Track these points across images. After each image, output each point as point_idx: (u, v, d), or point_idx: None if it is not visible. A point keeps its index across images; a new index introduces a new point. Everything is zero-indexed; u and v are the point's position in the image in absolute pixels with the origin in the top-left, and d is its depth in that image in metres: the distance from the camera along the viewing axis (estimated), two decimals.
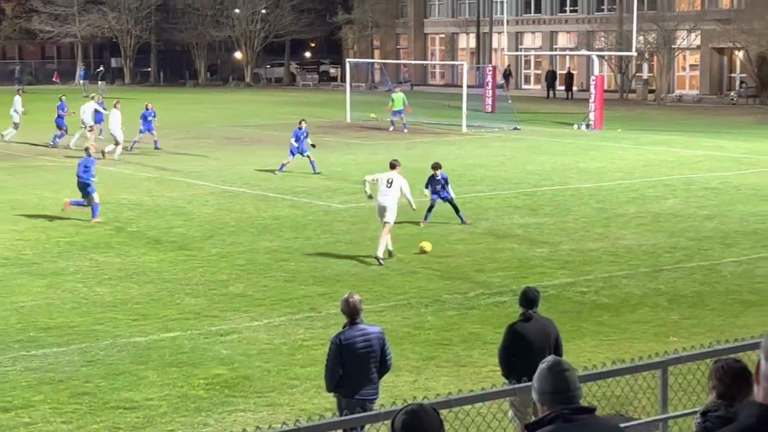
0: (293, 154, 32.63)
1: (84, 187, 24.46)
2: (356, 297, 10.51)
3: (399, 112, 46.18)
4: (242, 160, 35.85)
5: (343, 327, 10.50)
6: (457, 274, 19.32)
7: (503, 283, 18.53)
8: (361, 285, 17.95)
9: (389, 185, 20.66)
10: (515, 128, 47.21)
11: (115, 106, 37.60)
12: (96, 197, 24.40)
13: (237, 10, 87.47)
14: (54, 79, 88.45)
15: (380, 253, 20.01)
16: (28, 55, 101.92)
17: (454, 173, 32.48)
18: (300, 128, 33.03)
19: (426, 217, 24.14)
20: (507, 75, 75.65)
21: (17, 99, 42.93)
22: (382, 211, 20.51)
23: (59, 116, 40.53)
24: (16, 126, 41.84)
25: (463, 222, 24.08)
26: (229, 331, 15.60)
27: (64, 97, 41.77)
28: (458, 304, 17.18)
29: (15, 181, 30.76)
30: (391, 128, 46.84)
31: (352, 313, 10.43)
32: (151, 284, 18.42)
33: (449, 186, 24.36)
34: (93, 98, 42.09)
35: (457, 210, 24.20)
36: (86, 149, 26.29)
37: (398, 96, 46.41)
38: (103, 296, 17.59)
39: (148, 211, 25.77)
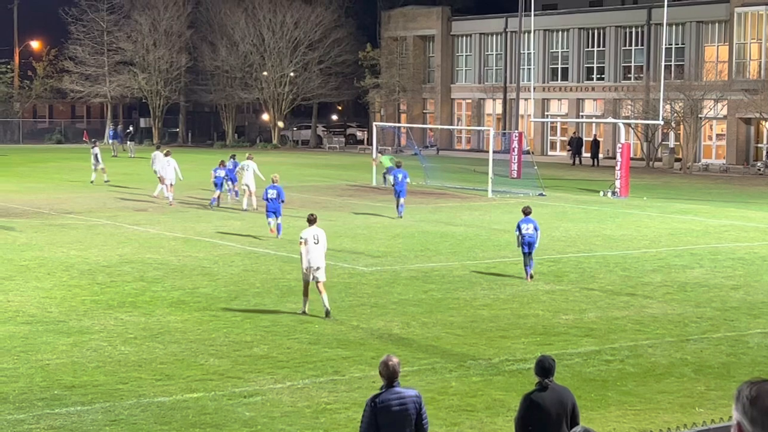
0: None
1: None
2: (395, 359, 10.44)
3: (391, 169, 47.30)
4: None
5: (380, 389, 10.43)
6: (481, 339, 19.25)
7: (528, 350, 18.44)
8: (385, 349, 17.89)
9: (316, 241, 21.00)
10: (540, 194, 47.26)
11: (249, 158, 40.42)
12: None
13: (265, 73, 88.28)
14: (84, 139, 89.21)
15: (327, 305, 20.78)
16: (58, 114, 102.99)
17: (479, 238, 32.57)
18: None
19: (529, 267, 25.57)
20: (574, 141, 74.21)
21: (157, 155, 44.18)
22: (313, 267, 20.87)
23: (218, 177, 40.46)
24: (161, 180, 42.55)
25: (528, 274, 25.41)
26: (252, 393, 15.57)
27: (233, 157, 43.18)
28: (483, 370, 17.10)
29: (42, 239, 30.95)
30: (384, 185, 48.72)
31: (390, 375, 10.35)
32: (176, 344, 18.43)
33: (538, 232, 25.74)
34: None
35: (530, 259, 25.47)
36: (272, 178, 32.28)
37: (386, 158, 50.91)
38: (127, 355, 17.61)
39: (174, 271, 25.86)
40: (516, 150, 57.67)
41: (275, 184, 32.82)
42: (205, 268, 26.44)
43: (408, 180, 38.87)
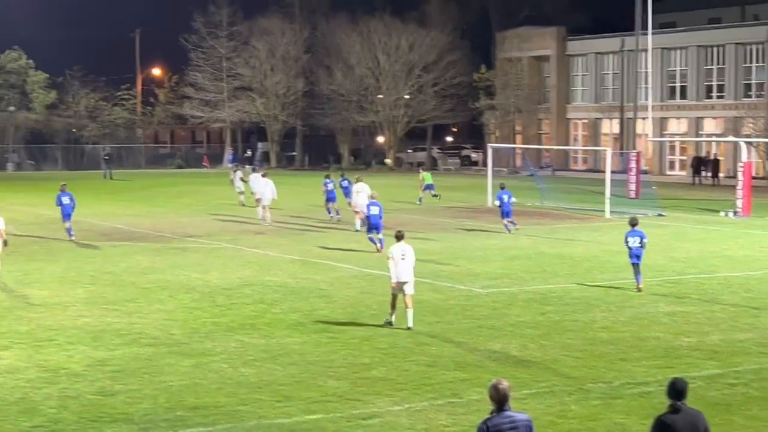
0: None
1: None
2: (505, 383, 10.40)
3: (430, 186, 53.89)
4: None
5: (490, 413, 10.38)
6: (600, 362, 19.02)
7: (649, 373, 18.16)
8: (503, 371, 17.82)
9: (403, 257, 21.77)
10: (659, 214, 46.58)
11: (359, 180, 42.21)
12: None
13: (381, 96, 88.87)
14: (203, 163, 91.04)
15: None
16: (179, 139, 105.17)
17: (597, 260, 32.23)
18: None
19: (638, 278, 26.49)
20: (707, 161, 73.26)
21: (255, 176, 46.34)
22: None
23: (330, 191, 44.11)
24: (258, 201, 44.16)
25: (638, 286, 26.25)
26: (371, 415, 15.63)
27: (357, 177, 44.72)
28: (602, 394, 16.89)
29: (164, 262, 31.57)
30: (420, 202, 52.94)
31: (500, 399, 10.31)
32: (295, 366, 18.61)
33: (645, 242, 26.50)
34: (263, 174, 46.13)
35: (636, 272, 26.36)
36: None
37: (427, 174, 55.74)
38: (248, 377, 17.84)
39: (293, 293, 26.13)
40: (634, 170, 56.95)
41: (376, 201, 34.33)
42: (323, 290, 26.66)
43: (514, 200, 39.51)
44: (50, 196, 56.69)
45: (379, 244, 33.09)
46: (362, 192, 40.10)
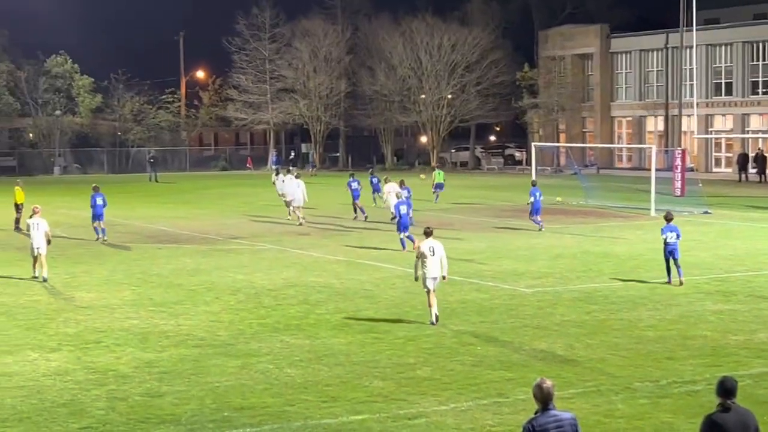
0: None
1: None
2: (549, 382, 10.39)
3: (440, 185, 53.89)
4: None
5: (535, 413, 10.37)
6: (647, 361, 18.91)
7: (696, 372, 18.04)
8: (548, 370, 17.76)
9: (432, 253, 22.01)
10: (705, 212, 46.23)
11: (387, 181, 43.53)
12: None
13: (423, 96, 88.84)
14: (247, 165, 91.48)
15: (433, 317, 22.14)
16: (223, 141, 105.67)
17: (643, 258, 32.02)
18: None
19: (678, 273, 26.84)
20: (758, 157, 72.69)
21: (288, 177, 45.72)
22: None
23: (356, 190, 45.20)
24: (288, 203, 44.62)
25: (678, 279, 26.69)
26: (416, 415, 15.64)
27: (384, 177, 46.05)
28: (650, 393, 16.80)
29: (209, 264, 31.75)
30: (436, 201, 52.84)
31: (545, 398, 10.29)
32: (340, 366, 18.66)
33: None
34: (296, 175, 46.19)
35: (677, 265, 26.73)
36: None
37: (439, 173, 55.54)
38: (294, 377, 17.91)
39: (337, 294, 26.20)
40: (679, 167, 56.54)
41: (404, 200, 35.51)
42: (367, 290, 26.70)
43: (542, 198, 40.16)
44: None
45: (409, 242, 33.53)
46: (392, 192, 40.63)
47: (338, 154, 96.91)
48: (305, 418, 15.56)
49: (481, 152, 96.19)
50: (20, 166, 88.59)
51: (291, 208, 44.03)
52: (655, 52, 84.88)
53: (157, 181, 75.71)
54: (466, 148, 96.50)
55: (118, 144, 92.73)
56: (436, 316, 22.15)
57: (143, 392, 17.02)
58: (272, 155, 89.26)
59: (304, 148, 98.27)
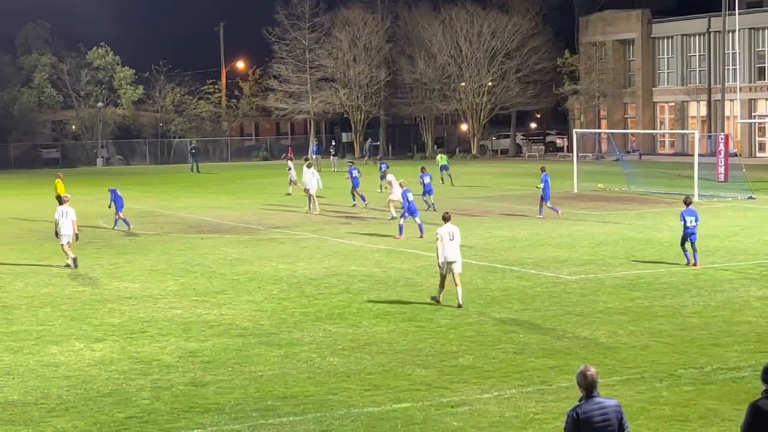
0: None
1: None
2: (593, 370, 10.34)
3: (445, 167, 57.50)
4: (469, 232, 35.99)
5: (579, 400, 10.33)
6: (691, 347, 18.78)
7: (741, 358, 17.90)
8: (592, 358, 17.69)
9: (451, 237, 22.64)
10: (750, 197, 45.82)
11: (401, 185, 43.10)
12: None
13: (463, 84, 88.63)
14: (289, 155, 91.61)
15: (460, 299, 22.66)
16: (264, 131, 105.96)
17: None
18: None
19: (695, 257, 27.41)
20: None
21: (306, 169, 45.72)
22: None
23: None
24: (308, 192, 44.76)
25: (693, 261, 27.22)
26: (459, 403, 15.63)
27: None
28: (694, 379, 16.69)
29: (252, 254, 31.87)
30: (442, 183, 55.36)
31: (589, 386, 10.25)
32: (383, 355, 18.68)
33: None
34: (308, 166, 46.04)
35: (694, 249, 27.27)
36: None
37: (442, 157, 60.57)
38: (336, 366, 17.95)
39: (379, 283, 26.21)
40: (722, 153, 56.07)
41: (409, 188, 36.23)
42: (409, 279, 26.69)
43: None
44: (139, 190, 57.77)
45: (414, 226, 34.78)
46: (395, 182, 40.79)
47: (379, 143, 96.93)
48: (348, 406, 15.59)
49: (522, 139, 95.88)
50: (64, 158, 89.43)
51: (311, 198, 44.06)
52: (697, 37, 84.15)
53: (198, 172, 76.08)
54: (507, 136, 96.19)
55: (159, 135, 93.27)
56: (460, 304, 22.55)
57: (187, 381, 17.13)
58: (313, 145, 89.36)
59: (344, 137, 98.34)
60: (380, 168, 51.68)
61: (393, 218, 39.15)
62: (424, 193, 43.36)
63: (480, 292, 24.56)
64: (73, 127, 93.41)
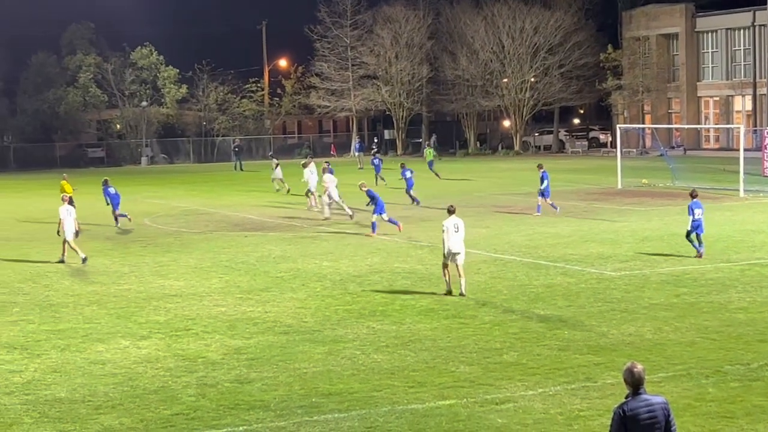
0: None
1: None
2: (639, 366, 10.29)
3: (430, 163, 59.78)
4: (513, 229, 35.95)
5: (626, 397, 10.28)
6: (738, 344, 18.63)
7: None
8: (637, 355, 17.59)
9: (456, 230, 23.42)
10: None
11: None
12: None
13: (506, 80, 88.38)
14: (331, 152, 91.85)
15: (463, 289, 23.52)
16: (306, 129, 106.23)
17: (732, 239, 31.56)
18: None
19: (701, 247, 28.00)
20: None
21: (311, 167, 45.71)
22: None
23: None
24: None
25: (699, 253, 27.73)
26: (504, 400, 15.60)
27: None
28: (741, 376, 16.55)
29: (295, 251, 31.96)
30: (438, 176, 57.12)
31: (635, 383, 10.20)
32: (427, 352, 18.68)
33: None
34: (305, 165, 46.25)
35: (700, 241, 27.85)
36: None
37: (429, 151, 62.70)
38: (380, 363, 17.97)
39: (422, 279, 26.21)
40: None
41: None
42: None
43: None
44: (183, 189, 58.17)
45: (389, 225, 35.46)
46: (331, 182, 40.85)
47: (421, 140, 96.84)
48: (392, 403, 15.61)
49: (565, 135, 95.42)
50: (108, 157, 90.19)
51: (318, 196, 43.87)
52: (741, 31, 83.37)
53: (242, 170, 76.37)
54: (550, 132, 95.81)
55: (203, 134, 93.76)
56: (462, 294, 23.38)
57: (232, 379, 17.22)
58: (355, 142, 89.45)
59: (387, 134, 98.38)
60: (372, 162, 54.92)
61: (327, 219, 39.84)
62: (408, 189, 44.76)
63: (524, 289, 24.50)
64: (118, 126, 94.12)
